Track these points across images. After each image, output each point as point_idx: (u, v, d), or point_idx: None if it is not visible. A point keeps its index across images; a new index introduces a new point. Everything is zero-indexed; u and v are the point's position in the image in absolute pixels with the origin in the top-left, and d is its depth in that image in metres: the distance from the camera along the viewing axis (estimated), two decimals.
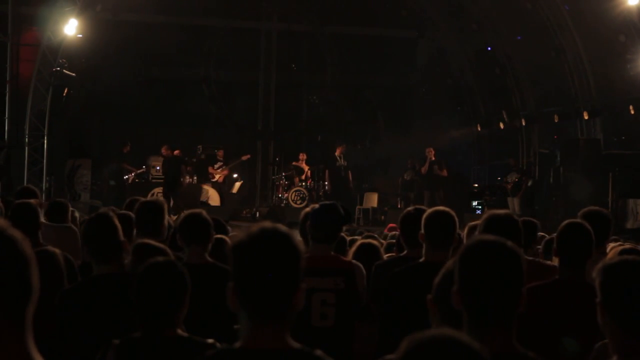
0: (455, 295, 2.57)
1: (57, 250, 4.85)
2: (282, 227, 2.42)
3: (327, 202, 5.18)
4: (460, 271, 2.56)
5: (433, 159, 20.89)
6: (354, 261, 5.05)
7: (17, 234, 1.95)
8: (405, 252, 5.53)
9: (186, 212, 5.22)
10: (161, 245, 4.54)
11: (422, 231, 4.64)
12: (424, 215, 4.68)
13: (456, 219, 4.72)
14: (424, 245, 4.65)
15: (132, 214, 5.56)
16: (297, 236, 2.46)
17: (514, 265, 2.55)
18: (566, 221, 4.48)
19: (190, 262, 4.70)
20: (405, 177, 21.65)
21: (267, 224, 2.42)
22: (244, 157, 21.79)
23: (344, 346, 4.80)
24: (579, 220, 4.53)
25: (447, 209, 4.76)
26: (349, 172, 21.51)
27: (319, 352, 2.46)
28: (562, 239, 4.32)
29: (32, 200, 5.87)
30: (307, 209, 5.27)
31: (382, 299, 4.76)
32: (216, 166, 21.46)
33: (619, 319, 2.58)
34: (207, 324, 4.27)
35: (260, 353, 2.38)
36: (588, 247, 4.26)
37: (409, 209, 5.45)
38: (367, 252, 5.65)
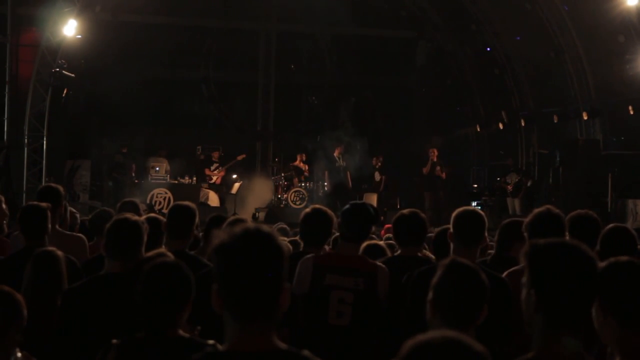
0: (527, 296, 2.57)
1: (56, 250, 4.82)
2: (265, 228, 2.39)
3: (357, 201, 5.17)
4: (533, 271, 2.55)
5: (435, 159, 20.84)
6: (379, 264, 4.93)
7: None
8: (398, 251, 5.56)
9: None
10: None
11: (451, 230, 4.62)
12: (453, 215, 4.65)
13: (485, 219, 4.71)
14: (451, 245, 4.63)
15: (162, 218, 5.39)
16: (280, 236, 2.43)
17: (590, 269, 2.53)
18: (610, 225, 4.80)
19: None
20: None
21: (250, 224, 2.39)
22: (240, 157, 21.74)
23: (360, 347, 4.73)
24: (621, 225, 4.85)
25: (476, 208, 4.73)
26: (348, 172, 21.48)
27: (306, 353, 2.44)
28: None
29: (43, 204, 5.69)
30: (307, 210, 5.27)
31: (402, 300, 4.69)
32: (212, 167, 21.44)
33: (621, 317, 2.60)
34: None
35: (247, 355, 2.36)
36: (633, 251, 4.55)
37: (403, 210, 5.50)
38: (373, 253, 5.58)
